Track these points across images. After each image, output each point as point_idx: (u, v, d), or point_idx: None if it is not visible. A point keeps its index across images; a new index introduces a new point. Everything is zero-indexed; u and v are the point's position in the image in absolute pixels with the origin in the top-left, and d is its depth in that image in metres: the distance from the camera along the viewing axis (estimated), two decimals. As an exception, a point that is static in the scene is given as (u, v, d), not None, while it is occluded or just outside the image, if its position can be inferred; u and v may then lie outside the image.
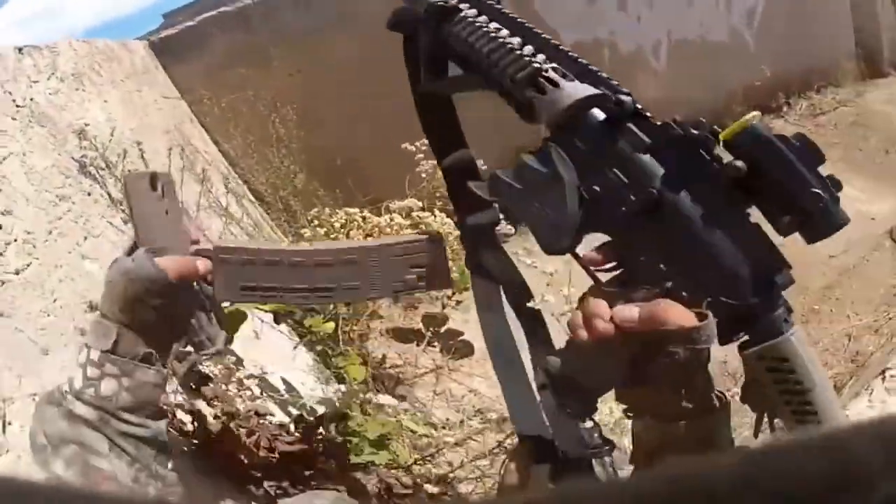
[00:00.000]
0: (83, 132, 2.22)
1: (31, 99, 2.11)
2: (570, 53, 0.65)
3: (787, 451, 0.18)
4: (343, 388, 2.17)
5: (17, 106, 2.00)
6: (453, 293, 2.94)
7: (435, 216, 2.98)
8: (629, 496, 0.18)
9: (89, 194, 2.21)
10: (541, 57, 0.65)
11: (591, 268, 0.62)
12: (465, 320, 2.88)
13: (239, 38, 4.04)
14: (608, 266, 0.62)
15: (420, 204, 3.00)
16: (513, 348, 0.75)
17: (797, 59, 7.10)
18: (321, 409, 1.91)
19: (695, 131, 0.58)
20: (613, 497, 0.18)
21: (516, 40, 0.66)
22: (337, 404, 1.81)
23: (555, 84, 0.62)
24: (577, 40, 5.65)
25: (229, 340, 0.82)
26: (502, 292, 0.77)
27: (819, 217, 0.53)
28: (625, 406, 0.66)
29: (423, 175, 3.12)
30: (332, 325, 2.51)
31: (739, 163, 0.55)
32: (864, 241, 4.15)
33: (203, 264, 0.74)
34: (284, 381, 1.93)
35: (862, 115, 6.36)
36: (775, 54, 6.82)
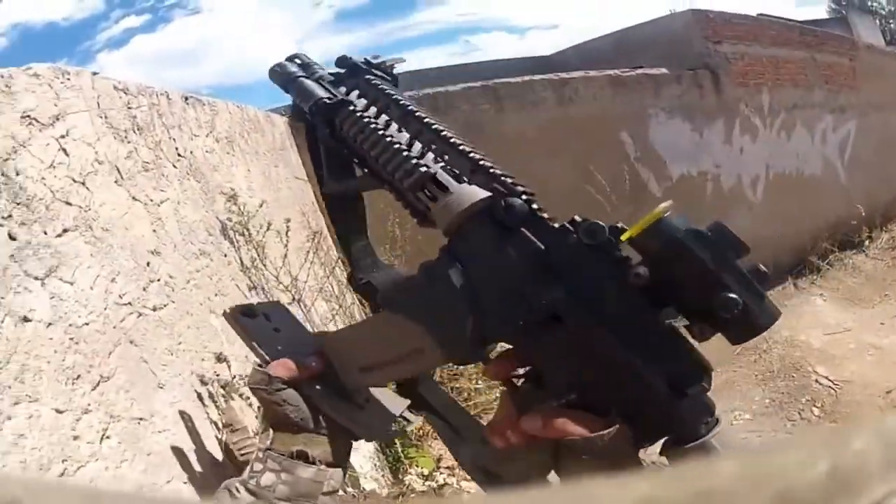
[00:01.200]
0: (234, 197, 2.20)
1: (191, 152, 2.10)
2: (461, 147, 0.61)
3: (787, 451, 0.18)
4: (413, 473, 2.29)
5: (179, 155, 1.98)
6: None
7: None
8: (632, 497, 0.17)
9: (225, 255, 2.17)
10: (430, 156, 0.61)
11: (501, 376, 0.60)
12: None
13: (374, 132, 4.09)
14: (520, 373, 0.59)
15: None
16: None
17: (884, 188, 7.13)
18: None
19: (590, 239, 0.54)
20: (616, 497, 0.18)
21: (405, 137, 0.63)
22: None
23: (444, 189, 0.59)
24: (684, 172, 5.73)
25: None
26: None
27: (737, 321, 0.48)
28: None
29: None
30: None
31: (641, 269, 0.52)
32: (928, 372, 4.07)
33: (312, 361, 0.75)
34: (346, 459, 2.02)
35: (938, 245, 6.31)
36: (864, 184, 6.88)
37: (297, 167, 3.36)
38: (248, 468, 0.74)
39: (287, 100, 0.78)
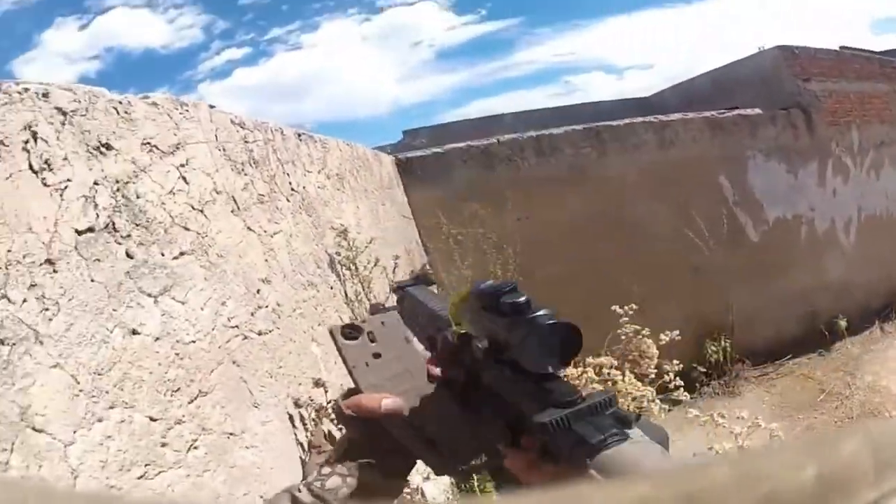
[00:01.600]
0: (344, 232, 2.25)
1: (304, 187, 2.17)
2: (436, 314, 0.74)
3: (777, 455, 0.18)
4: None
5: (293, 189, 2.05)
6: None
7: (625, 377, 2.99)
8: (628, 497, 0.18)
9: (331, 287, 2.21)
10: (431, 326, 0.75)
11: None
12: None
13: (480, 175, 4.18)
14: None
15: (615, 363, 2.99)
16: None
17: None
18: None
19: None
20: (613, 498, 0.18)
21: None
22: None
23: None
24: (780, 216, 5.50)
25: None
26: None
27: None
28: None
29: (623, 337, 3.16)
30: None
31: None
32: None
33: (390, 402, 0.76)
34: (422, 490, 2.07)
35: None
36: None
37: (403, 205, 3.41)
38: (316, 471, 0.76)
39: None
